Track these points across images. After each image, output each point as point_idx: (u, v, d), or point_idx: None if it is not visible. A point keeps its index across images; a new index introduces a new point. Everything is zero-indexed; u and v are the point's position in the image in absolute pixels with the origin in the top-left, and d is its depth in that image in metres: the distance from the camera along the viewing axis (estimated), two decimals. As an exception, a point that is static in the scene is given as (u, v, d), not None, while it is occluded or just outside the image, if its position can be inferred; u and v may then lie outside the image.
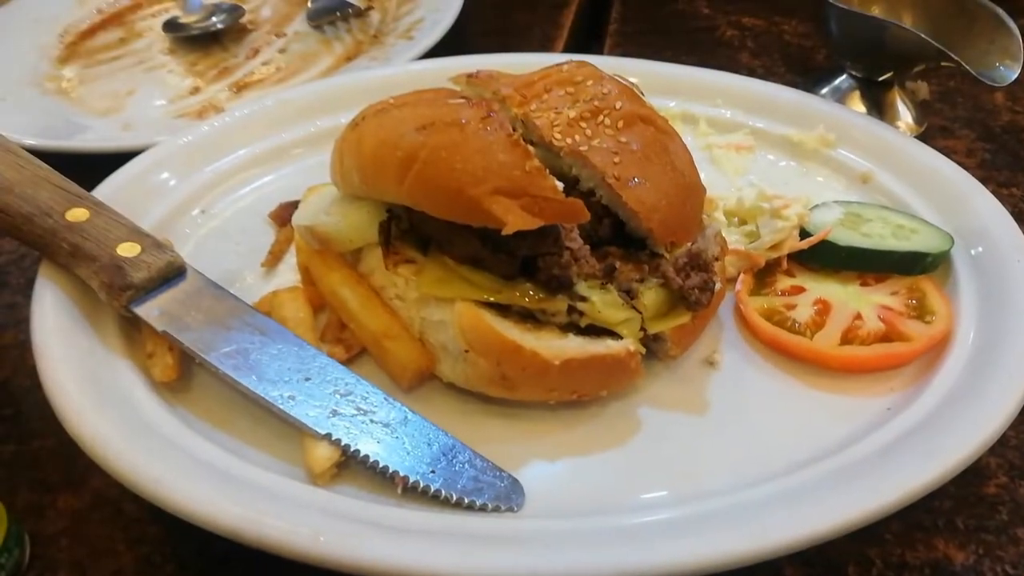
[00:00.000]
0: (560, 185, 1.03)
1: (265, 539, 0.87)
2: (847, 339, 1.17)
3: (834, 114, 1.57)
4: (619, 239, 1.13)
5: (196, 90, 1.91)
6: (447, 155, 1.01)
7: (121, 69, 2.00)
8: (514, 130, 1.04)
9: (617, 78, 1.20)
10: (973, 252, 1.28)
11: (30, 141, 1.53)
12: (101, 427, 0.96)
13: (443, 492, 0.96)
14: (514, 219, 0.98)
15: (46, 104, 1.85)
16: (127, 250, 1.11)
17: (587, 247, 1.08)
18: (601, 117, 1.12)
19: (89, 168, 1.29)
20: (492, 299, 1.06)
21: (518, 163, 1.01)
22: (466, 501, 0.96)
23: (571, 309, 1.07)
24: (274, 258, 1.31)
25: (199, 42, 2.07)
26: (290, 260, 1.30)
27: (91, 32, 2.15)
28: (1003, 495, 1.07)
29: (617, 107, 1.13)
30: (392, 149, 1.05)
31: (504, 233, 0.99)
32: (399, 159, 1.04)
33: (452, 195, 1.01)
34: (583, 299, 1.07)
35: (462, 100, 1.07)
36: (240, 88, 1.91)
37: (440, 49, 1.84)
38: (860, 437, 1.05)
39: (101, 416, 0.97)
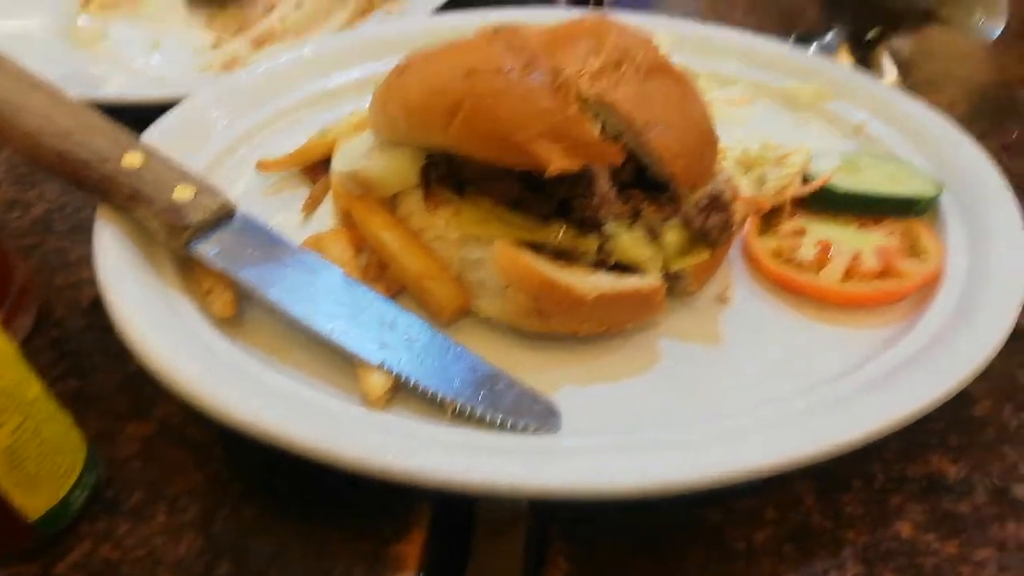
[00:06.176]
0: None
1: (337, 455, 0.88)
2: (848, 276, 1.20)
3: (828, 69, 1.57)
4: (641, 182, 1.13)
5: (218, 44, 1.88)
6: (492, 102, 1.01)
7: (144, 24, 1.96)
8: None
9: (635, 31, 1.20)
10: (960, 196, 1.31)
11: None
12: (173, 356, 0.96)
13: (489, 415, 0.97)
14: (557, 161, 0.99)
15: (73, 57, 1.81)
16: (182, 193, 1.10)
17: (615, 190, 1.09)
18: (624, 67, 1.11)
19: (117, 119, 1.25)
20: (529, 238, 1.07)
21: (559, 109, 1.01)
22: (509, 423, 0.97)
23: (600, 248, 1.09)
24: (313, 202, 1.30)
25: (217, -2, 2.03)
26: (327, 205, 1.29)
27: (115, -14, 2.10)
28: (989, 417, 1.11)
29: (638, 58, 1.13)
30: (438, 96, 1.05)
31: (547, 175, 1.00)
32: (445, 106, 1.03)
33: (498, 140, 1.01)
34: (611, 238, 1.08)
35: (504, 48, 1.07)
36: (260, 43, 1.87)
37: (457, 2, 1.81)
38: (861, 365, 1.08)
39: (171, 346, 0.98)
